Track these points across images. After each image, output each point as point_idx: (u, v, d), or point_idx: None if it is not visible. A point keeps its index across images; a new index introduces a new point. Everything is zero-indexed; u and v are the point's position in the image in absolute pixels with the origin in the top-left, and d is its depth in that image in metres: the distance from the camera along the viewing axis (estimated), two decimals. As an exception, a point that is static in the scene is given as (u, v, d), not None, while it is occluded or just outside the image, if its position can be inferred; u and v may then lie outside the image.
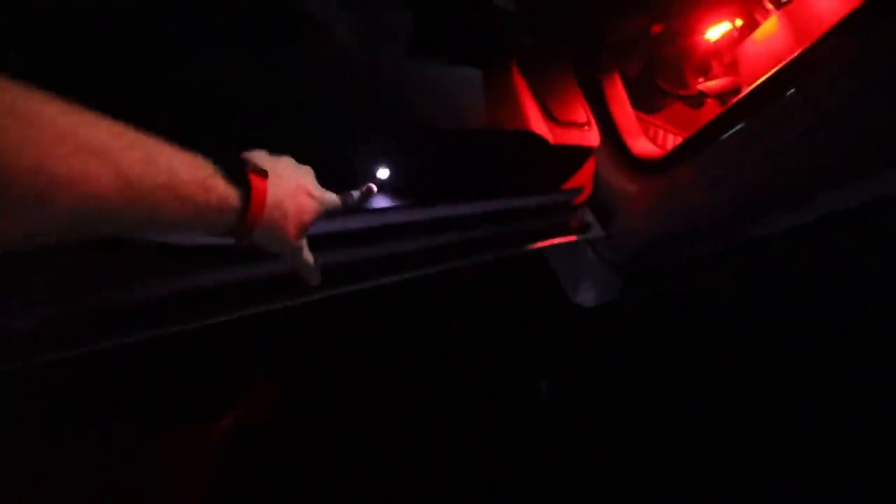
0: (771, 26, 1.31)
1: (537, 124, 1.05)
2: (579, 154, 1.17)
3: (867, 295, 1.02)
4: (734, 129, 1.03)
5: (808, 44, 0.95)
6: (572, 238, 1.22)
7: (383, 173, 0.86)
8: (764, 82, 0.99)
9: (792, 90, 0.95)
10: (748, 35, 1.40)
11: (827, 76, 0.91)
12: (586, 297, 1.41)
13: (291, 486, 1.14)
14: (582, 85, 1.27)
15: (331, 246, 0.86)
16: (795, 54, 0.96)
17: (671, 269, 1.33)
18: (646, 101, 1.57)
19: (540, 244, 1.15)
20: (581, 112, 1.20)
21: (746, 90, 1.04)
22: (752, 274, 1.23)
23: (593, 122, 1.20)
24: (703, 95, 1.50)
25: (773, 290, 1.20)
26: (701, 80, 1.56)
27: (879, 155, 0.94)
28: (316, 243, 0.58)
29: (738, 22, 1.47)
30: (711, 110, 1.61)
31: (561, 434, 1.38)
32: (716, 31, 1.50)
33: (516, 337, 1.47)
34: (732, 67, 1.55)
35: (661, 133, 1.40)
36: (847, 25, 0.91)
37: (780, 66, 0.97)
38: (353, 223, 0.89)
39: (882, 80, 0.86)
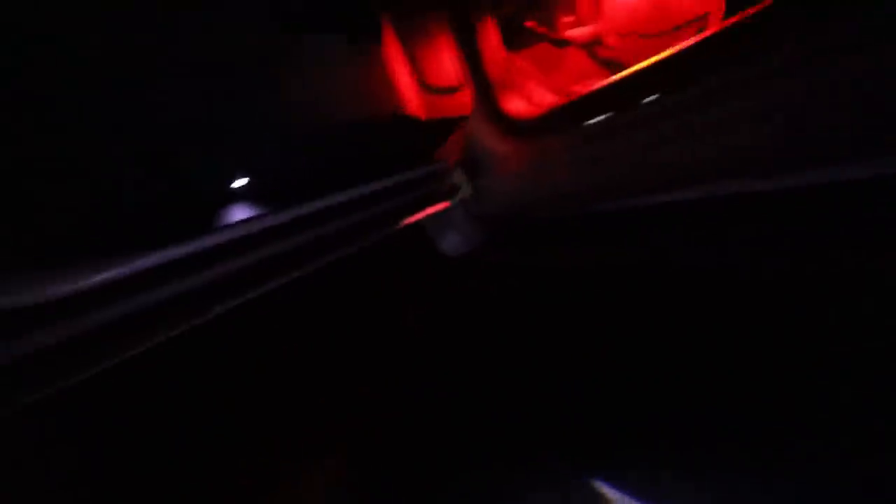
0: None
1: (410, 99, 0.97)
2: (452, 123, 1.13)
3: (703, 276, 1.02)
4: (601, 118, 1.04)
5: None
6: (445, 204, 1.24)
7: (240, 182, 0.74)
8: (633, 76, 0.96)
9: (665, 95, 0.89)
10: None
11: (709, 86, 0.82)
12: (450, 245, 1.50)
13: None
14: (456, 33, 1.17)
15: (198, 267, 0.75)
16: (671, 51, 0.91)
17: (535, 228, 1.40)
18: (515, 39, 1.51)
19: (414, 217, 1.15)
20: (455, 73, 1.12)
21: (615, 77, 1.03)
22: (610, 243, 1.28)
23: (467, 82, 1.14)
24: (567, 43, 1.51)
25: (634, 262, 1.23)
26: (568, 19, 1.54)
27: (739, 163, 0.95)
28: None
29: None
30: (575, 52, 1.63)
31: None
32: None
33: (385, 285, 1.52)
34: (596, 9, 1.55)
35: (537, 91, 1.39)
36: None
37: (656, 60, 0.93)
38: (219, 238, 0.78)
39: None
